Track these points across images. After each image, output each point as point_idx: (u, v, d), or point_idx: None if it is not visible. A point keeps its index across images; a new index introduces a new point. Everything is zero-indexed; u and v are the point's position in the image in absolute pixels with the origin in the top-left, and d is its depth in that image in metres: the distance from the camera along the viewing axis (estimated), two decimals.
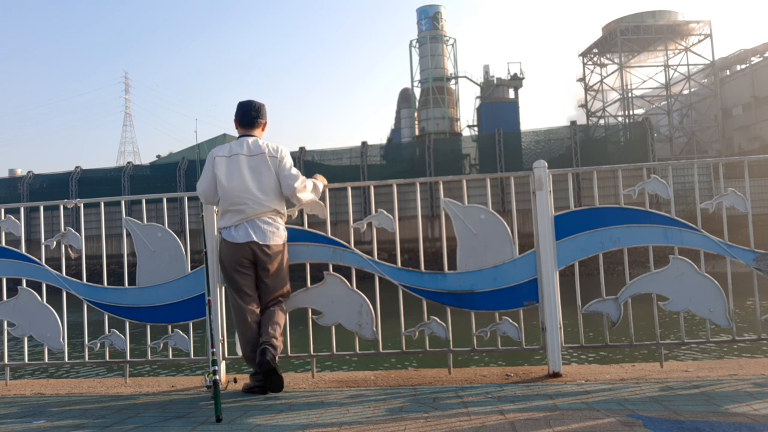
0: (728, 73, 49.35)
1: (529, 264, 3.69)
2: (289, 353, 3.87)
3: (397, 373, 3.94)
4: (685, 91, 48.39)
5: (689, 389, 3.10)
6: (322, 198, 3.87)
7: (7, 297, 4.21)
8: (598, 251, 3.69)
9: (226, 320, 3.86)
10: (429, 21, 49.56)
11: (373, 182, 4.07)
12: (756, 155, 4.15)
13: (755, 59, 47.14)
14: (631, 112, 46.56)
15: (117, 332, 4.03)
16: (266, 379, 3.42)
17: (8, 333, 4.16)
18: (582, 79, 51.74)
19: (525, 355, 6.84)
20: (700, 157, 41.71)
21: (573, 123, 35.93)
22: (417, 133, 48.77)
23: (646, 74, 48.87)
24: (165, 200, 4.22)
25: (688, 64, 47.02)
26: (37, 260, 4.20)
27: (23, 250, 4.24)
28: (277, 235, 3.63)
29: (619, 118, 46.28)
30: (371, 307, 3.77)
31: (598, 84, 50.36)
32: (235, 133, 3.81)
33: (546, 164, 3.75)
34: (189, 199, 4.28)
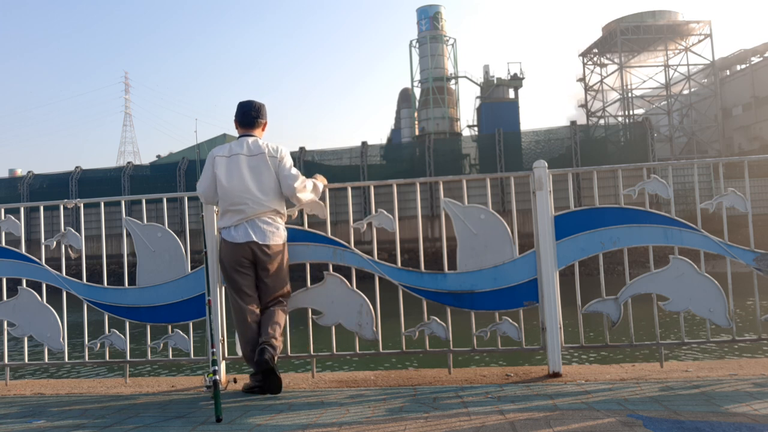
0: (728, 73, 49.35)
1: (529, 264, 3.69)
2: (289, 353, 3.87)
3: (397, 373, 3.94)
4: (685, 91, 48.39)
5: (689, 389, 3.10)
6: (322, 198, 3.87)
7: (7, 297, 4.22)
8: (598, 251, 3.69)
9: (226, 320, 3.86)
10: (429, 21, 49.56)
11: (373, 182, 4.07)
12: (756, 155, 4.15)
13: (755, 59, 47.15)
14: (631, 112, 46.56)
15: (117, 332, 4.03)
16: (265, 379, 3.42)
17: (8, 333, 4.16)
18: (582, 79, 51.74)
19: (525, 355, 6.83)
20: (700, 157, 41.71)
21: (573, 123, 35.93)
22: (417, 133, 48.76)
23: (646, 74, 48.95)
24: (165, 200, 4.22)
25: (688, 64, 47.03)
26: (37, 260, 4.20)
27: (23, 250, 4.24)
28: (277, 235, 3.62)
29: (619, 118, 46.28)
30: (371, 307, 3.77)
31: (598, 84, 50.36)
32: (235, 133, 3.81)
33: (546, 164, 3.75)
34: (189, 199, 4.28)
